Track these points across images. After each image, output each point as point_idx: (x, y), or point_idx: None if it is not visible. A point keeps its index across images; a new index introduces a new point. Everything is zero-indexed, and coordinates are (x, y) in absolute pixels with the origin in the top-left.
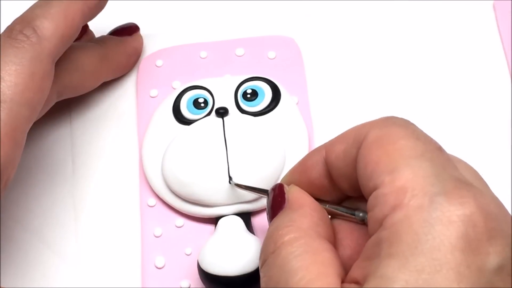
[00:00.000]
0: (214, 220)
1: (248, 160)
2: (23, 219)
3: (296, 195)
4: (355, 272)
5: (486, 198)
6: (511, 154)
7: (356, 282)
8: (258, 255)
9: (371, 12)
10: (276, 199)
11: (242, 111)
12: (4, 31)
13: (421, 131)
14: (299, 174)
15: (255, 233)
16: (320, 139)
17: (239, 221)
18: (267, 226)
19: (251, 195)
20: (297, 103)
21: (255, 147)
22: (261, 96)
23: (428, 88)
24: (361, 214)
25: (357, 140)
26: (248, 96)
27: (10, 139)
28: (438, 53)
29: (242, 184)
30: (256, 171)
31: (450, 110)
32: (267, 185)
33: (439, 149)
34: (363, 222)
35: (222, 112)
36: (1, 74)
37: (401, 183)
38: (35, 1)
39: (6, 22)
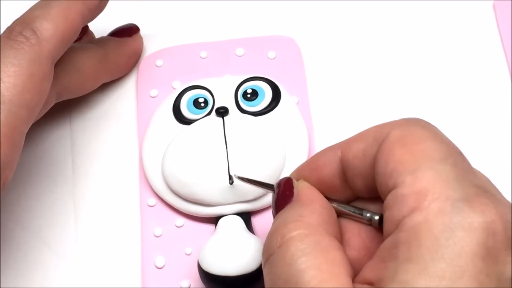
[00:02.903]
0: (214, 220)
1: (248, 160)
2: (23, 219)
3: (306, 191)
4: (368, 273)
5: (504, 206)
6: (511, 154)
7: (370, 283)
8: (258, 255)
9: (371, 12)
10: (284, 193)
11: (242, 111)
12: (4, 32)
13: (444, 135)
14: (309, 171)
15: (255, 233)
16: (320, 139)
17: (239, 221)
18: (268, 226)
19: (251, 194)
20: (297, 103)
21: (255, 147)
22: (261, 96)
23: (428, 88)
24: (368, 215)
25: (377, 139)
26: (248, 96)
27: (9, 140)
28: (438, 53)
29: (245, 177)
30: (256, 170)
31: (450, 110)
32: None
33: (461, 154)
34: (370, 223)
35: (222, 112)
36: (0, 76)
37: (422, 185)
38: (35, 2)
39: (6, 23)
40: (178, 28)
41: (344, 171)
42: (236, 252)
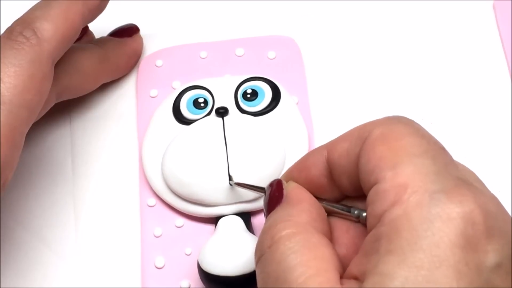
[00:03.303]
0: (214, 220)
1: (248, 160)
2: (23, 219)
3: (294, 191)
4: (353, 268)
5: (486, 197)
6: (511, 154)
7: (355, 278)
8: None
9: (371, 12)
10: (274, 194)
11: (242, 111)
12: (4, 32)
13: (426, 131)
14: (297, 172)
15: (255, 233)
16: (320, 139)
17: (239, 221)
18: None
19: (251, 194)
20: (297, 103)
21: (255, 147)
22: (261, 96)
23: (428, 88)
24: (356, 212)
25: (360, 138)
26: (248, 96)
27: (9, 140)
28: (438, 53)
29: (242, 183)
30: (256, 171)
31: (450, 110)
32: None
33: (442, 148)
34: (359, 220)
35: (222, 112)
36: (1, 76)
37: (402, 179)
38: (35, 2)
39: (6, 23)
40: (178, 28)
41: (331, 171)
42: (236, 252)
